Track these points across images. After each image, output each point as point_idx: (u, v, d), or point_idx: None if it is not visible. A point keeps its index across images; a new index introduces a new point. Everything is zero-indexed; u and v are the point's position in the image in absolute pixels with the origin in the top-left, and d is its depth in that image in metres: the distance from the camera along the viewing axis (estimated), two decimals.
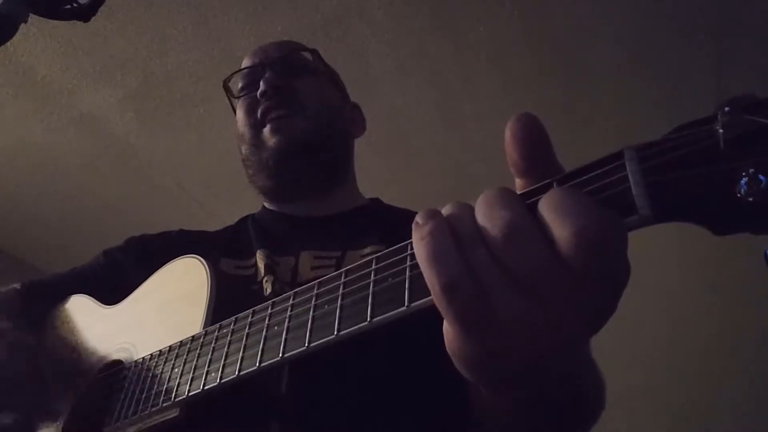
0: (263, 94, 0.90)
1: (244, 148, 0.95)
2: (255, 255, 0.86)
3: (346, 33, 2.07)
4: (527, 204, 0.37)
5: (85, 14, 0.70)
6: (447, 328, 0.39)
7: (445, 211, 0.39)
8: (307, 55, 0.99)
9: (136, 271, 0.89)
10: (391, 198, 1.05)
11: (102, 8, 0.71)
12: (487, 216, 0.37)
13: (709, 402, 2.19)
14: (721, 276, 2.34)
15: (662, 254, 2.25)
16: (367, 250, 0.82)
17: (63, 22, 0.71)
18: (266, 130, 0.90)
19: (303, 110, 0.91)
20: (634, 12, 1.99)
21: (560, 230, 0.34)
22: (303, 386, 0.68)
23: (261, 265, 0.83)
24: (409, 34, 2.09)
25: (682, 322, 2.32)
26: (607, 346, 2.26)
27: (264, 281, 0.80)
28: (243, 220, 1.01)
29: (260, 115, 0.91)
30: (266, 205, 1.01)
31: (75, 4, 0.69)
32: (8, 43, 0.68)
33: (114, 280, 0.92)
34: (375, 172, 2.57)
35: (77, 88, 2.30)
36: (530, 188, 0.39)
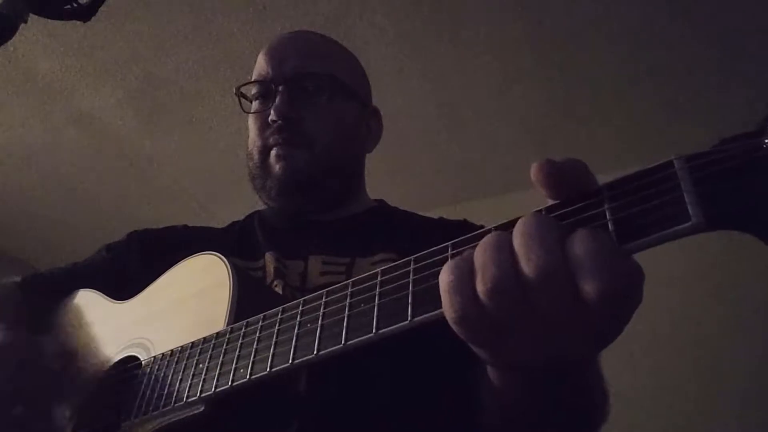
0: (273, 122, 0.89)
1: (251, 165, 0.94)
2: (264, 257, 0.86)
3: (346, 33, 2.07)
4: (564, 227, 0.40)
5: (85, 14, 0.70)
6: None
7: (484, 242, 0.41)
8: (323, 77, 0.93)
9: (140, 265, 0.89)
10: (391, 198, 1.05)
11: (102, 8, 0.71)
12: (524, 249, 0.39)
13: (711, 404, 2.19)
14: (725, 278, 2.33)
15: (664, 257, 2.25)
16: (377, 258, 0.82)
17: (63, 22, 0.71)
18: (272, 154, 0.90)
19: (310, 144, 0.89)
20: (636, 11, 1.99)
21: (587, 283, 0.36)
22: (322, 385, 0.68)
23: (270, 269, 0.83)
24: (409, 34, 2.09)
25: (684, 322, 2.32)
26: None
27: (273, 285, 0.80)
28: (250, 218, 1.00)
29: (269, 141, 0.91)
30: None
31: (75, 4, 0.69)
32: (8, 43, 0.68)
33: (117, 275, 0.92)
34: (375, 172, 2.56)
35: (77, 88, 2.30)
36: (575, 205, 0.41)
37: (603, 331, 0.41)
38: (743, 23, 2.00)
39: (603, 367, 0.66)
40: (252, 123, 0.94)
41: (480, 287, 0.39)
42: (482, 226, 0.47)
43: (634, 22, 2.03)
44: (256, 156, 0.92)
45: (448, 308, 0.40)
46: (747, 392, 2.14)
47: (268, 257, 0.85)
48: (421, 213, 1.00)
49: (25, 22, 0.68)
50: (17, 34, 0.68)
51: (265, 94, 0.93)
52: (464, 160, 2.68)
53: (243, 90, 0.97)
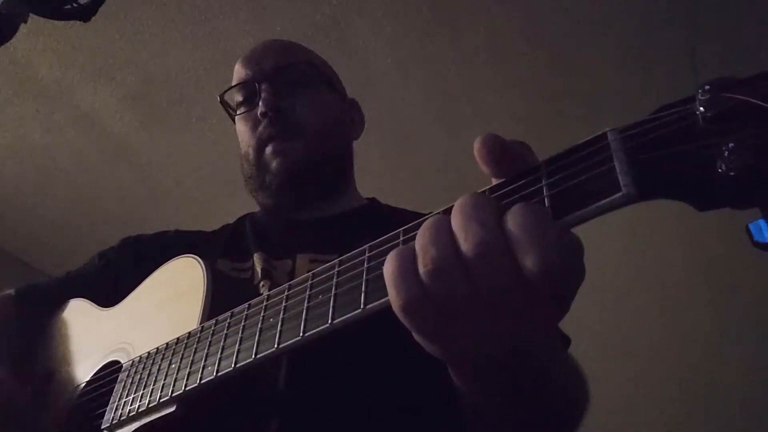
0: (264, 114, 0.89)
1: (246, 167, 0.94)
2: (252, 257, 0.86)
3: (346, 33, 2.07)
4: (502, 205, 0.40)
5: (85, 14, 0.70)
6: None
7: (423, 225, 0.42)
8: (302, 65, 0.97)
9: (133, 271, 0.89)
10: (390, 198, 1.05)
11: (102, 8, 0.72)
12: (461, 228, 0.39)
13: (706, 403, 2.19)
14: (720, 271, 2.33)
15: (662, 252, 2.25)
16: None
17: (63, 22, 0.71)
18: (268, 151, 0.90)
19: (302, 133, 0.90)
20: (636, 9, 1.99)
21: (527, 257, 0.36)
22: (301, 381, 0.69)
23: (258, 269, 0.83)
24: (409, 34, 2.09)
25: (678, 318, 2.32)
26: (603, 344, 2.26)
27: (261, 285, 0.80)
28: (241, 220, 1.01)
29: (262, 136, 0.91)
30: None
31: (75, 4, 0.69)
32: (8, 43, 0.69)
33: (110, 282, 0.92)
34: (375, 172, 2.57)
35: (77, 88, 2.30)
36: (514, 185, 0.42)
37: (547, 310, 0.41)
38: (743, 17, 2.00)
39: (588, 365, 0.65)
40: (242, 126, 0.95)
41: (421, 269, 0.39)
42: None
43: (633, 21, 2.03)
44: (251, 155, 0.92)
45: (393, 297, 0.40)
46: (745, 392, 2.14)
47: (257, 258, 0.85)
48: (420, 213, 1.00)
49: (25, 22, 0.68)
50: (17, 34, 0.68)
51: (250, 96, 0.94)
52: (464, 160, 2.68)
53: (227, 100, 0.97)
